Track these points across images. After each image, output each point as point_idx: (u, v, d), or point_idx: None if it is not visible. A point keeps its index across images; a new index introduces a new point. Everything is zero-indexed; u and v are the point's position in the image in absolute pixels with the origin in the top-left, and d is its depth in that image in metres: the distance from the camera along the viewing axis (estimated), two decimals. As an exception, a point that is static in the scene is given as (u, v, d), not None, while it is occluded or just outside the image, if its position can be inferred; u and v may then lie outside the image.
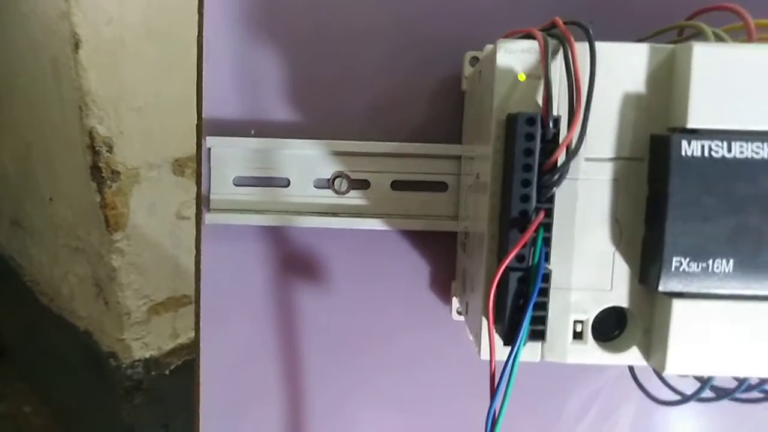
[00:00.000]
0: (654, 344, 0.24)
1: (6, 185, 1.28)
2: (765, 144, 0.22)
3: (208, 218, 0.35)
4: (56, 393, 1.40)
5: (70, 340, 1.19)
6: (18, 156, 1.18)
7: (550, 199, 0.22)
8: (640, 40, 0.28)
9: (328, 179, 0.35)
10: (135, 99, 0.92)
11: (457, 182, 0.35)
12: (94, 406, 1.23)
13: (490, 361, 0.23)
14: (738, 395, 0.27)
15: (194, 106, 0.36)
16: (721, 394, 0.28)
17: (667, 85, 0.23)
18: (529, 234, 0.22)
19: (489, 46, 0.29)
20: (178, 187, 1.01)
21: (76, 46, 0.83)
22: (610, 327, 0.26)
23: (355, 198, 0.36)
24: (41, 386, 1.46)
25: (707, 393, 0.28)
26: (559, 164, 0.22)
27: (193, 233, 0.38)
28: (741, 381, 0.26)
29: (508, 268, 0.22)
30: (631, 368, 0.33)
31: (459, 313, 0.36)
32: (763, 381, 0.27)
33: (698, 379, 0.29)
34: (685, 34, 0.29)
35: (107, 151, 0.90)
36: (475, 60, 0.33)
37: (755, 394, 0.28)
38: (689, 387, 0.28)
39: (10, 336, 1.58)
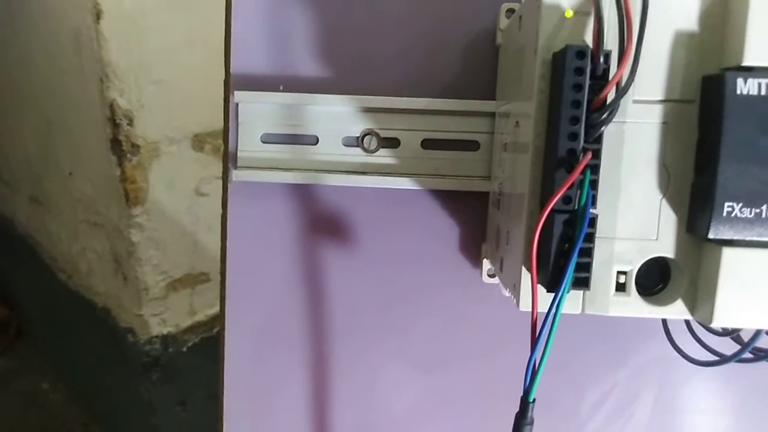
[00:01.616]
0: (700, 296, 0.24)
1: (26, 162, 1.29)
2: (826, 83, 0.21)
3: (236, 175, 0.35)
4: (74, 369, 1.41)
5: (88, 317, 1.20)
6: (38, 131, 1.19)
7: (598, 140, 0.22)
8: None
9: (357, 137, 0.35)
10: (156, 71, 0.91)
11: (489, 141, 0.34)
12: (111, 383, 1.25)
13: (533, 309, 0.23)
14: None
15: (215, 80, 0.36)
16: (762, 354, 0.27)
17: (720, 24, 0.22)
18: (577, 174, 0.21)
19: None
20: (197, 163, 1.01)
21: (98, 16, 0.83)
22: (653, 280, 0.25)
23: (384, 156, 0.35)
24: (59, 363, 1.48)
25: (746, 354, 0.27)
26: (608, 102, 0.21)
27: (211, 210, 0.37)
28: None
29: (554, 211, 0.21)
30: (667, 331, 0.32)
31: (490, 275, 0.35)
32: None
33: (736, 341, 0.28)
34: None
35: (128, 124, 0.90)
36: (510, 12, 0.32)
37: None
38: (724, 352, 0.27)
39: (28, 313, 1.60)
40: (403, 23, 0.34)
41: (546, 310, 0.22)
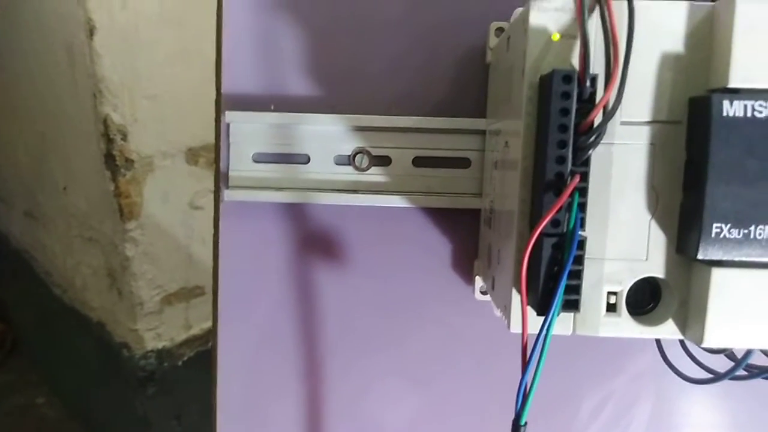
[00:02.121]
0: (691, 316, 0.24)
1: (19, 176, 1.29)
2: (811, 104, 0.21)
3: (227, 195, 0.35)
4: (69, 384, 1.40)
5: (83, 332, 1.19)
6: (31, 146, 1.18)
7: (586, 162, 0.22)
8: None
9: (349, 155, 0.35)
10: (149, 86, 0.91)
11: (480, 158, 0.34)
12: (106, 398, 1.24)
13: (522, 332, 0.23)
14: (776, 372, 0.26)
15: (209, 95, 0.36)
16: (756, 372, 0.27)
17: (706, 46, 0.22)
18: (565, 197, 0.21)
19: (518, 9, 0.28)
20: (191, 177, 1.01)
21: (91, 32, 0.83)
22: (644, 300, 0.25)
23: (376, 175, 0.35)
24: (54, 378, 1.47)
25: (740, 371, 0.27)
26: (595, 125, 0.21)
27: (206, 223, 0.37)
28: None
29: (543, 234, 0.21)
30: (660, 348, 0.32)
31: (482, 292, 0.35)
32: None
33: (730, 358, 0.28)
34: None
35: (121, 139, 0.89)
36: (500, 31, 0.33)
37: (793, 372, 0.27)
38: (718, 369, 0.27)
39: (23, 328, 1.59)
40: (393, 42, 0.34)
41: (536, 332, 0.22)
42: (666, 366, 0.31)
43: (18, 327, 1.61)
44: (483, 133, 0.34)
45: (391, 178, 0.35)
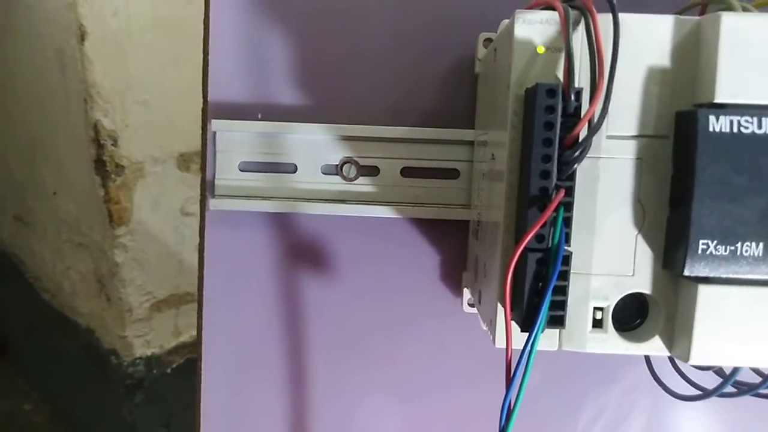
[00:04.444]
0: (678, 333, 0.23)
1: (10, 180, 1.28)
2: (798, 120, 0.21)
3: (213, 204, 0.34)
4: (57, 391, 1.39)
5: (72, 338, 1.18)
6: (22, 150, 1.18)
7: (571, 177, 0.21)
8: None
9: (337, 165, 0.34)
10: (141, 92, 0.91)
11: (469, 169, 0.34)
12: (94, 404, 1.23)
13: (507, 348, 0.22)
14: (763, 390, 0.26)
15: (200, 101, 0.35)
16: (744, 389, 0.27)
17: (692, 60, 0.22)
18: (550, 212, 0.21)
19: (505, 21, 0.28)
20: (182, 183, 1.00)
21: (82, 37, 0.83)
22: (631, 316, 0.25)
23: (364, 185, 0.35)
24: (42, 384, 1.45)
25: (729, 388, 0.27)
26: (580, 139, 0.21)
27: (197, 230, 0.37)
28: (765, 375, 0.25)
29: (527, 249, 0.21)
30: (649, 363, 0.32)
31: (470, 304, 0.35)
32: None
33: (718, 374, 0.28)
34: (709, 11, 0.28)
35: (112, 144, 0.89)
36: (488, 42, 0.32)
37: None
38: (708, 384, 0.27)
39: (11, 333, 1.57)
40: (382, 51, 0.34)
41: (521, 348, 0.22)
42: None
43: (6, 332, 1.60)
44: (472, 143, 0.34)
45: (379, 188, 0.34)
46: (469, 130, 0.33)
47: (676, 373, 0.30)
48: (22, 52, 1.05)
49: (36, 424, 1.42)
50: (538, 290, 0.21)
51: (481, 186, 0.30)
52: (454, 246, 0.35)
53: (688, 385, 0.29)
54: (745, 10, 0.24)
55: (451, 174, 0.34)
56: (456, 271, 0.35)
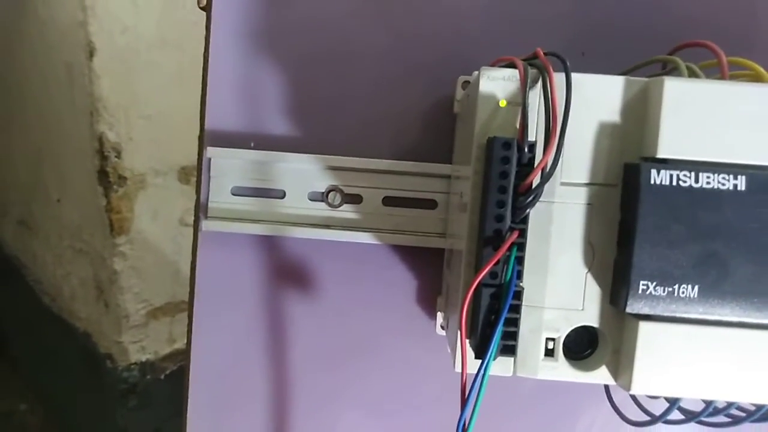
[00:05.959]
0: (622, 364, 0.25)
1: (16, 187, 1.30)
2: (731, 176, 0.23)
3: (206, 225, 0.37)
4: (52, 392, 1.40)
5: (69, 341, 1.20)
6: (29, 157, 1.20)
7: (524, 220, 0.24)
8: (623, 73, 0.29)
9: (323, 192, 0.37)
10: (145, 107, 0.94)
11: (446, 201, 0.36)
12: (88, 407, 1.24)
13: (462, 373, 0.24)
14: (704, 418, 0.28)
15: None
16: (689, 416, 0.29)
17: (640, 116, 0.25)
18: (502, 252, 0.23)
19: (476, 73, 0.30)
20: (182, 195, 1.02)
21: (91, 53, 0.86)
22: (583, 346, 0.27)
23: (347, 212, 0.37)
24: (38, 385, 1.47)
25: (676, 415, 0.29)
26: (533, 187, 0.23)
27: None
28: (707, 404, 0.27)
29: (482, 284, 0.23)
30: (606, 388, 0.34)
31: (443, 327, 0.37)
32: (730, 405, 0.28)
33: (668, 400, 0.30)
34: (668, 68, 0.30)
35: (115, 156, 0.92)
36: (467, 84, 0.35)
37: (722, 418, 0.29)
38: (662, 409, 0.29)
39: (9, 333, 1.59)
40: (369, 89, 0.37)
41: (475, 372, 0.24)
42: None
43: (4, 332, 1.61)
44: (449, 177, 0.36)
45: (361, 216, 0.37)
46: (446, 164, 0.36)
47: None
48: (33, 64, 1.08)
49: (31, 424, 1.43)
50: (491, 322, 0.23)
51: (453, 218, 0.33)
52: (430, 272, 0.37)
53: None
54: (691, 71, 0.26)
55: (430, 204, 0.36)
56: (431, 295, 0.38)
